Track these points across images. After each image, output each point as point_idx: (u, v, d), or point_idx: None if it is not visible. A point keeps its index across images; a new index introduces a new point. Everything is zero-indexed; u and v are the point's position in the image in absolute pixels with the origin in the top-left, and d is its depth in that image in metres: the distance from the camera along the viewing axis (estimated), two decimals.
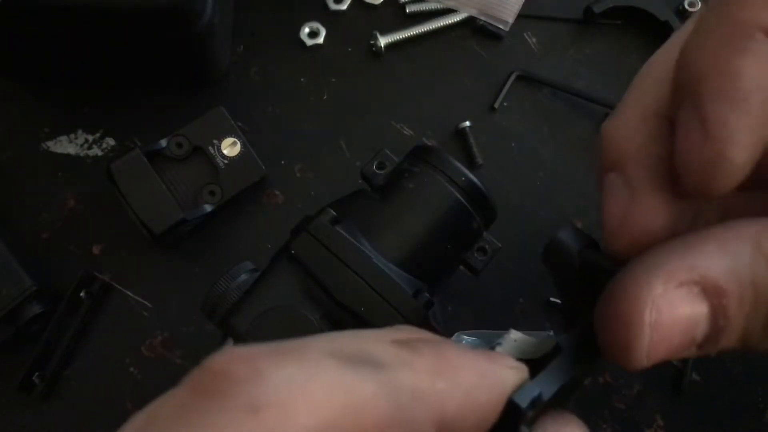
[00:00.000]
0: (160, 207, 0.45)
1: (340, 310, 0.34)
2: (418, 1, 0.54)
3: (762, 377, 0.47)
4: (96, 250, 0.49)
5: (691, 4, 0.53)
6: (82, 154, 0.50)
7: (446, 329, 0.33)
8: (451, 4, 0.53)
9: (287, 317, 0.34)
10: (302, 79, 0.52)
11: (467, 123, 0.51)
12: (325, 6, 0.54)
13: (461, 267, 0.40)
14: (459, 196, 0.38)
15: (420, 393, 0.20)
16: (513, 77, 0.52)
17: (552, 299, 0.47)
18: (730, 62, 0.21)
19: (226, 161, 0.47)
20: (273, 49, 0.53)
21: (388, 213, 0.37)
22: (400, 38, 0.53)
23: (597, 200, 0.26)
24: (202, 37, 0.44)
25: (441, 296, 0.39)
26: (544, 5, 0.54)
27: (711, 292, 0.22)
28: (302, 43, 0.53)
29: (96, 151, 0.51)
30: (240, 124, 0.49)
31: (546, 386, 0.23)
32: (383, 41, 0.52)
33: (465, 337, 0.28)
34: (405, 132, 0.52)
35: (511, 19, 0.53)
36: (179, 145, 0.47)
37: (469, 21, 0.54)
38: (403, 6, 0.54)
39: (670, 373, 0.47)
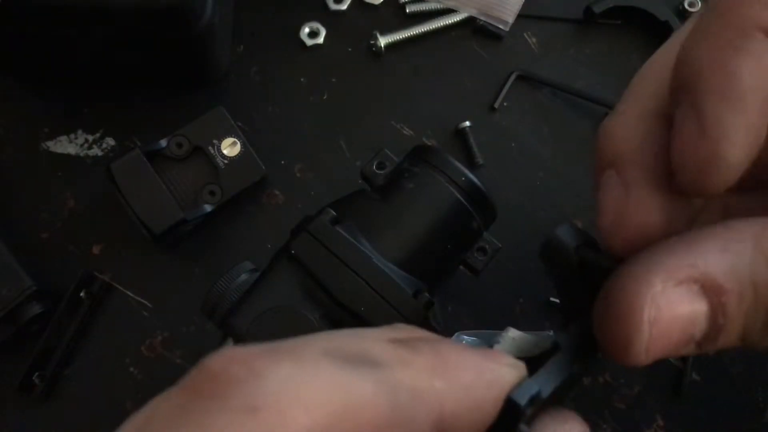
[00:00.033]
0: (160, 207, 0.45)
1: (340, 310, 0.34)
2: (418, 1, 0.54)
3: (762, 377, 0.47)
4: (96, 250, 0.49)
5: (691, 4, 0.53)
6: (82, 154, 0.50)
7: (446, 329, 0.32)
8: (451, 4, 0.53)
9: (287, 317, 0.34)
10: (302, 79, 0.52)
11: (467, 123, 0.51)
12: (325, 6, 0.54)
13: (461, 267, 0.40)
14: (459, 196, 0.38)
15: (418, 392, 0.20)
16: (513, 77, 0.52)
17: (552, 299, 0.47)
18: (728, 61, 0.21)
19: (226, 161, 0.47)
20: (273, 49, 0.53)
21: (388, 213, 0.37)
22: (400, 38, 0.53)
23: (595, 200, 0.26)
24: (202, 37, 0.44)
25: (441, 296, 0.39)
26: (544, 5, 0.54)
27: (710, 290, 0.22)
28: (302, 43, 0.53)
29: (96, 151, 0.51)
30: (240, 124, 0.49)
31: (545, 384, 0.23)
32: (383, 41, 0.52)
33: (465, 337, 0.28)
34: (405, 132, 0.52)
35: (511, 19, 0.53)
36: (179, 145, 0.47)
37: (469, 21, 0.54)
38: (403, 6, 0.54)
39: (670, 373, 0.47)
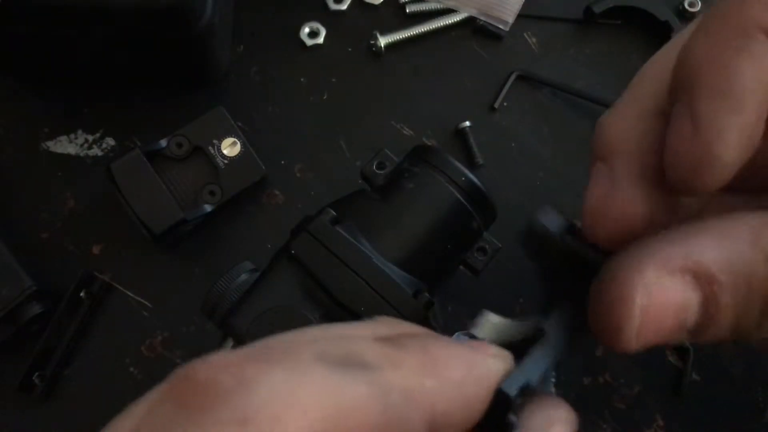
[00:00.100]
0: (160, 207, 0.45)
1: (340, 310, 0.34)
2: (418, 1, 0.54)
3: (762, 377, 0.47)
4: (96, 250, 0.49)
5: (691, 4, 0.53)
6: (82, 154, 0.50)
7: (446, 329, 0.32)
8: (451, 4, 0.53)
9: (287, 317, 0.34)
10: (302, 79, 0.52)
11: (467, 123, 0.51)
12: (325, 6, 0.54)
13: (461, 267, 0.40)
14: (459, 196, 0.38)
15: (410, 393, 0.20)
16: (513, 77, 0.52)
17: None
18: (727, 61, 0.21)
19: (226, 161, 0.47)
20: (273, 49, 0.53)
21: (388, 213, 0.37)
22: (400, 38, 0.53)
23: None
24: (202, 37, 0.44)
25: (441, 296, 0.39)
26: (544, 5, 0.54)
27: (703, 280, 0.22)
28: (302, 43, 0.53)
29: (96, 151, 0.51)
30: (240, 124, 0.49)
31: (532, 372, 0.23)
32: (383, 41, 0.52)
33: (463, 337, 0.28)
34: (405, 132, 0.52)
35: (511, 19, 0.53)
36: (179, 145, 0.47)
37: (469, 21, 0.54)
38: (403, 6, 0.54)
39: (670, 373, 0.47)
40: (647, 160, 0.24)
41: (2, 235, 0.46)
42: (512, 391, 0.22)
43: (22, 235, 0.48)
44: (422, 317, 0.35)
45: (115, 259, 0.48)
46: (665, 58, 0.25)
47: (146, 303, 0.48)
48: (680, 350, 0.47)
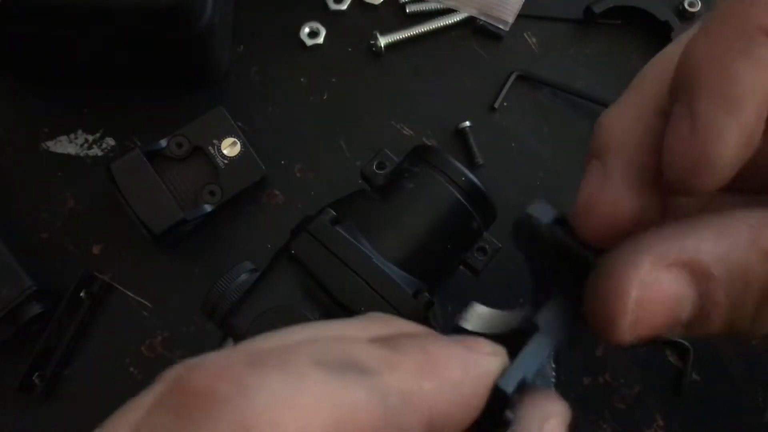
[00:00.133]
0: (160, 207, 0.45)
1: (340, 310, 0.34)
2: (418, 1, 0.54)
3: (762, 377, 0.47)
4: (96, 250, 0.49)
5: (691, 4, 0.53)
6: (82, 154, 0.50)
7: (446, 329, 0.32)
8: (451, 4, 0.53)
9: (287, 317, 0.34)
10: (302, 79, 0.52)
11: (467, 123, 0.51)
12: (325, 6, 0.54)
13: (461, 267, 0.40)
14: (459, 196, 0.38)
15: (408, 396, 0.20)
16: (513, 77, 0.52)
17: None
18: (728, 63, 0.21)
19: (226, 161, 0.47)
20: (273, 49, 0.53)
21: (388, 213, 0.37)
22: (400, 38, 0.53)
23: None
24: (202, 37, 0.44)
25: (441, 296, 0.39)
26: (544, 5, 0.54)
27: (699, 275, 0.22)
28: (302, 43, 0.53)
29: (96, 151, 0.51)
30: (240, 124, 0.49)
31: (528, 367, 0.23)
32: (383, 41, 0.52)
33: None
34: (405, 132, 0.52)
35: (511, 19, 0.53)
36: (179, 145, 0.47)
37: (469, 21, 0.54)
38: (403, 6, 0.54)
39: (670, 373, 0.47)
40: (643, 158, 0.25)
41: (2, 235, 0.46)
42: (509, 388, 0.22)
43: (22, 235, 0.48)
44: (422, 317, 0.35)
45: (115, 259, 0.48)
46: (667, 57, 0.25)
47: (146, 303, 0.48)
48: (680, 350, 0.47)
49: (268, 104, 0.52)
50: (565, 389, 0.26)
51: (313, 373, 0.19)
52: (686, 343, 0.47)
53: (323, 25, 0.53)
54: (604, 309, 0.23)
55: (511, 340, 0.24)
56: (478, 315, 0.27)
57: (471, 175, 0.38)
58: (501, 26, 0.53)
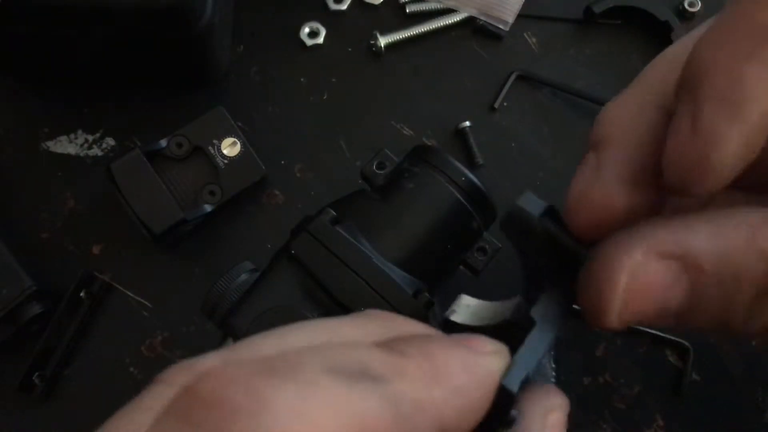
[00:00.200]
0: (160, 207, 0.45)
1: (340, 310, 0.34)
2: (418, 1, 0.54)
3: (762, 377, 0.47)
4: (96, 250, 0.49)
5: (691, 4, 0.53)
6: (82, 154, 0.50)
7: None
8: (451, 4, 0.53)
9: (287, 317, 0.34)
10: (302, 79, 0.52)
11: (467, 123, 0.51)
12: (325, 6, 0.54)
13: (461, 267, 0.40)
14: (459, 196, 0.38)
15: (419, 403, 0.20)
16: (513, 77, 0.52)
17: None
18: (735, 66, 0.21)
19: (226, 161, 0.47)
20: (273, 49, 0.53)
21: (388, 213, 0.37)
22: (400, 38, 0.53)
23: None
24: (202, 37, 0.44)
25: (441, 296, 0.39)
26: (544, 5, 0.54)
27: (691, 268, 0.22)
28: (302, 43, 0.53)
29: (96, 151, 0.51)
30: (240, 124, 0.49)
31: (529, 364, 0.23)
32: (383, 41, 0.52)
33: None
34: (405, 132, 0.52)
35: (511, 19, 0.53)
36: (179, 145, 0.47)
37: (469, 21, 0.54)
38: (403, 6, 0.54)
39: (670, 373, 0.47)
40: (640, 154, 0.24)
41: (2, 235, 0.46)
42: (515, 387, 0.22)
43: (22, 235, 0.48)
44: (422, 317, 0.35)
45: (115, 259, 0.48)
46: (674, 55, 0.25)
47: (146, 303, 0.48)
48: (680, 350, 0.47)
49: (268, 104, 0.52)
50: (565, 389, 0.26)
51: (325, 382, 0.19)
52: (686, 343, 0.47)
53: (323, 25, 0.53)
54: (594, 294, 0.23)
55: (503, 331, 0.25)
56: (466, 307, 0.27)
57: (471, 175, 0.38)
58: (501, 26, 0.53)
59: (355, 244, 0.35)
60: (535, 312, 0.25)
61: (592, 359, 0.47)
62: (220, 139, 0.47)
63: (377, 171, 0.40)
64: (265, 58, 0.53)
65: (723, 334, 0.47)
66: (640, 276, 0.23)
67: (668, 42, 0.52)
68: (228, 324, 0.35)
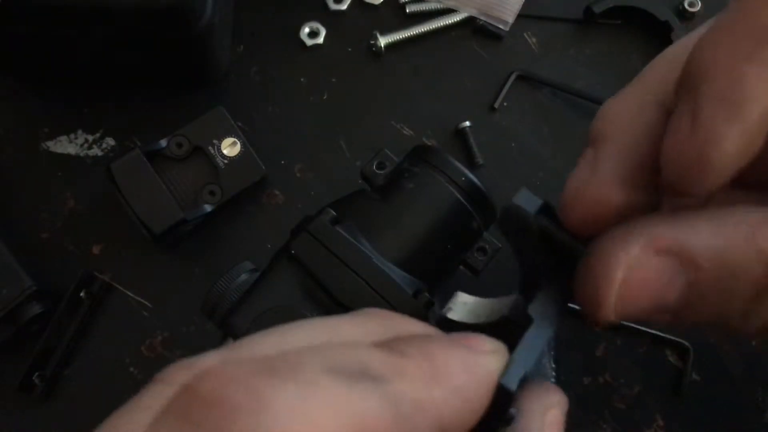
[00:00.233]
0: (160, 207, 0.45)
1: (341, 310, 0.34)
2: (418, 1, 0.54)
3: (762, 377, 0.47)
4: (96, 250, 0.49)
5: (691, 4, 0.53)
6: (82, 154, 0.50)
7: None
8: (451, 4, 0.53)
9: (287, 317, 0.34)
10: (302, 79, 0.52)
11: (467, 123, 0.51)
12: (325, 6, 0.54)
13: (461, 267, 0.40)
14: (459, 196, 0.38)
15: (419, 403, 0.20)
16: (513, 77, 0.52)
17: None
18: (736, 67, 0.21)
19: (226, 161, 0.47)
20: (273, 49, 0.53)
21: (388, 213, 0.37)
22: (400, 38, 0.53)
23: None
24: (202, 37, 0.44)
25: (441, 296, 0.39)
26: (544, 5, 0.54)
27: (688, 265, 0.22)
28: (302, 43, 0.53)
29: (96, 151, 0.51)
30: (240, 124, 0.49)
31: (527, 362, 0.23)
32: (383, 41, 0.52)
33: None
34: (405, 132, 0.52)
35: (511, 19, 0.53)
36: (179, 145, 0.47)
37: (469, 21, 0.54)
38: (403, 6, 0.54)
39: (670, 373, 0.47)
40: (638, 152, 0.24)
41: (2, 235, 0.46)
42: (513, 386, 0.22)
43: (22, 235, 0.48)
44: (422, 317, 0.35)
45: (115, 259, 0.48)
46: (677, 53, 0.25)
47: (146, 303, 0.48)
48: (680, 350, 0.47)
49: (268, 104, 0.52)
50: (565, 389, 0.26)
51: (325, 382, 0.19)
52: (686, 343, 0.47)
53: (323, 25, 0.53)
54: (591, 288, 0.23)
55: (500, 328, 0.25)
56: (463, 304, 0.27)
57: (471, 175, 0.38)
58: (501, 26, 0.53)
59: (355, 244, 0.35)
60: (532, 309, 0.25)
61: (592, 359, 0.47)
62: (220, 139, 0.47)
63: (377, 171, 0.40)
64: (265, 58, 0.53)
65: (723, 333, 0.47)
66: (636, 271, 0.23)
67: (668, 42, 0.52)
68: (228, 324, 0.35)
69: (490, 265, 0.39)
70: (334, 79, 0.53)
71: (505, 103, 0.52)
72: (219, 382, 0.18)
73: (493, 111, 0.52)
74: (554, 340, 0.26)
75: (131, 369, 0.46)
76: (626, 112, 0.25)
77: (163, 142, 0.47)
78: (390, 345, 0.21)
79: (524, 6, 0.54)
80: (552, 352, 0.30)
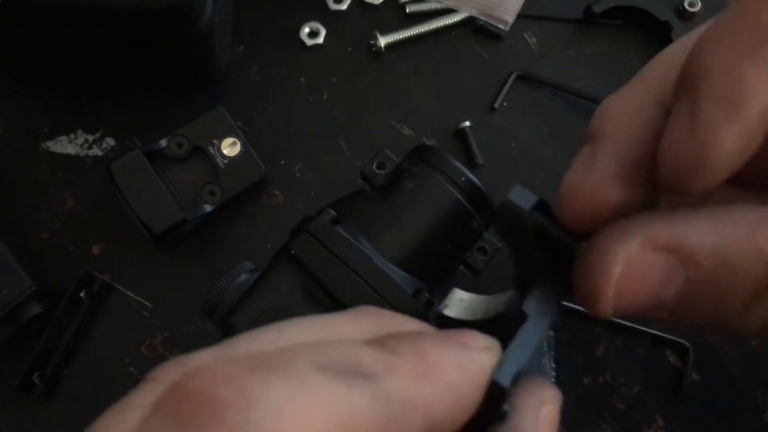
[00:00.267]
0: (160, 207, 0.45)
1: (341, 310, 0.34)
2: (418, 1, 0.54)
3: (762, 377, 0.47)
4: (96, 250, 0.49)
5: (691, 4, 0.53)
6: (82, 154, 0.50)
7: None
8: (451, 4, 0.53)
9: (287, 317, 0.34)
10: (302, 79, 0.52)
11: (467, 123, 0.51)
12: (325, 6, 0.54)
13: (461, 267, 0.40)
14: (459, 196, 0.38)
15: (410, 401, 0.20)
16: (513, 77, 0.52)
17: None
18: (735, 66, 0.21)
19: (226, 161, 0.47)
20: (273, 49, 0.53)
21: (388, 213, 0.37)
22: (400, 38, 0.53)
23: None
24: (202, 37, 0.44)
25: (441, 296, 0.39)
26: (544, 5, 0.54)
27: (687, 263, 0.22)
28: (302, 43, 0.53)
29: (96, 151, 0.51)
30: (240, 124, 0.49)
31: (520, 358, 0.23)
32: (383, 41, 0.52)
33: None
34: (405, 132, 0.52)
35: (511, 19, 0.53)
36: (179, 145, 0.47)
37: (469, 21, 0.54)
38: (403, 6, 0.54)
39: (670, 373, 0.47)
40: (636, 149, 0.24)
41: (2, 235, 0.46)
42: (506, 382, 0.22)
43: (22, 235, 0.48)
44: (422, 317, 0.35)
45: (115, 259, 0.48)
46: (677, 51, 0.25)
47: (146, 303, 0.48)
48: (680, 350, 0.47)
49: (268, 104, 0.52)
50: (565, 389, 0.26)
51: (316, 379, 0.19)
52: (686, 343, 0.47)
53: (323, 25, 0.53)
54: (589, 282, 0.23)
55: (496, 325, 0.25)
56: (459, 301, 0.27)
57: (471, 175, 0.38)
58: (501, 26, 0.53)
59: (355, 244, 0.35)
60: (527, 306, 0.25)
61: (592, 359, 0.47)
62: (220, 139, 0.47)
63: (377, 171, 0.40)
64: (265, 58, 0.53)
65: (723, 333, 0.47)
66: (634, 266, 0.23)
67: (668, 42, 0.52)
68: (228, 324, 0.35)
69: (490, 265, 0.39)
70: (334, 79, 0.53)
71: (505, 103, 0.52)
72: (208, 379, 0.18)
73: (493, 111, 0.52)
74: (554, 340, 0.26)
75: (131, 369, 0.46)
76: (625, 111, 0.25)
77: (163, 142, 0.47)
78: (382, 342, 0.21)
79: (524, 6, 0.54)
80: (552, 352, 0.30)
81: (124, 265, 0.48)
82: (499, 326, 0.25)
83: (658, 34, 0.53)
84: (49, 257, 0.48)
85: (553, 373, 0.28)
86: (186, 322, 0.47)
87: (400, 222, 0.37)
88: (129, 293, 0.48)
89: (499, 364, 0.23)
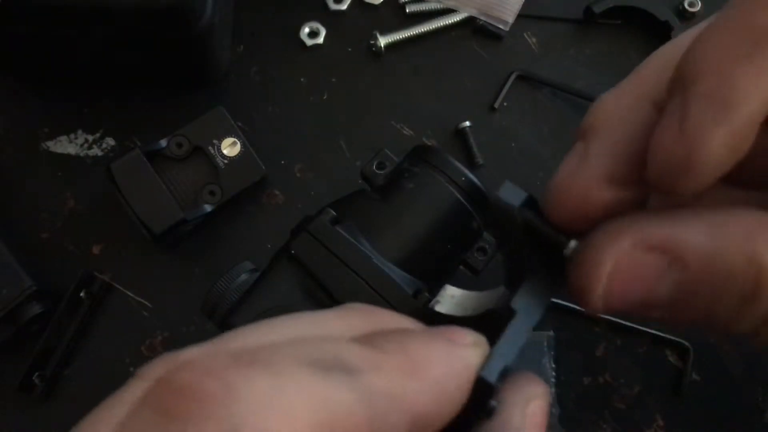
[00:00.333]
0: (160, 207, 0.45)
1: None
2: (418, 1, 0.54)
3: (762, 377, 0.47)
4: (96, 250, 0.49)
5: (691, 4, 0.53)
6: (82, 154, 0.50)
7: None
8: (451, 4, 0.53)
9: None
10: (302, 79, 0.52)
11: (467, 123, 0.51)
12: (325, 6, 0.54)
13: (461, 267, 0.40)
14: (459, 196, 0.38)
15: (394, 396, 0.20)
16: (513, 77, 0.52)
17: (552, 299, 0.47)
18: (729, 67, 0.21)
19: (226, 161, 0.47)
20: (273, 49, 0.53)
21: (388, 213, 0.37)
22: (400, 38, 0.53)
23: None
24: (202, 37, 0.44)
25: None
26: (544, 5, 0.54)
27: (679, 264, 0.22)
28: (302, 43, 0.53)
29: (96, 151, 0.51)
30: (240, 124, 0.49)
31: (508, 354, 0.23)
32: (383, 41, 0.52)
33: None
34: (405, 132, 0.52)
35: (511, 19, 0.53)
36: (179, 145, 0.47)
37: (469, 21, 0.54)
38: (403, 6, 0.54)
39: (670, 373, 0.47)
40: (629, 147, 0.24)
41: (2, 235, 0.46)
42: (493, 378, 0.23)
43: (22, 235, 0.48)
44: (422, 317, 0.35)
45: (115, 259, 0.48)
46: (672, 51, 0.25)
47: (146, 303, 0.48)
48: (680, 350, 0.47)
49: (268, 104, 0.52)
50: (565, 389, 0.26)
51: (299, 374, 0.19)
52: (686, 343, 0.47)
53: (323, 25, 0.53)
54: (581, 278, 0.23)
55: (486, 320, 0.25)
56: (450, 297, 0.27)
57: (471, 175, 0.38)
58: (501, 26, 0.53)
59: (355, 244, 0.35)
60: (515, 302, 0.25)
61: (592, 359, 0.47)
62: (220, 139, 0.47)
63: (377, 171, 0.40)
64: (265, 58, 0.53)
65: (723, 334, 0.47)
66: (625, 264, 0.23)
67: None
68: (228, 324, 0.35)
69: (490, 265, 0.39)
70: (334, 79, 0.53)
71: (505, 103, 0.52)
72: (193, 373, 0.18)
73: (493, 111, 0.52)
74: (554, 340, 0.26)
75: (131, 369, 0.46)
76: (619, 109, 0.25)
77: (163, 142, 0.47)
78: (369, 339, 0.21)
79: (524, 6, 0.54)
80: (552, 352, 0.30)
81: (124, 265, 0.48)
82: (490, 322, 0.25)
83: (658, 34, 0.53)
84: (49, 257, 0.48)
85: (553, 373, 0.28)
86: (186, 322, 0.47)
87: (400, 222, 0.37)
88: (129, 293, 0.48)
89: (486, 360, 0.23)
